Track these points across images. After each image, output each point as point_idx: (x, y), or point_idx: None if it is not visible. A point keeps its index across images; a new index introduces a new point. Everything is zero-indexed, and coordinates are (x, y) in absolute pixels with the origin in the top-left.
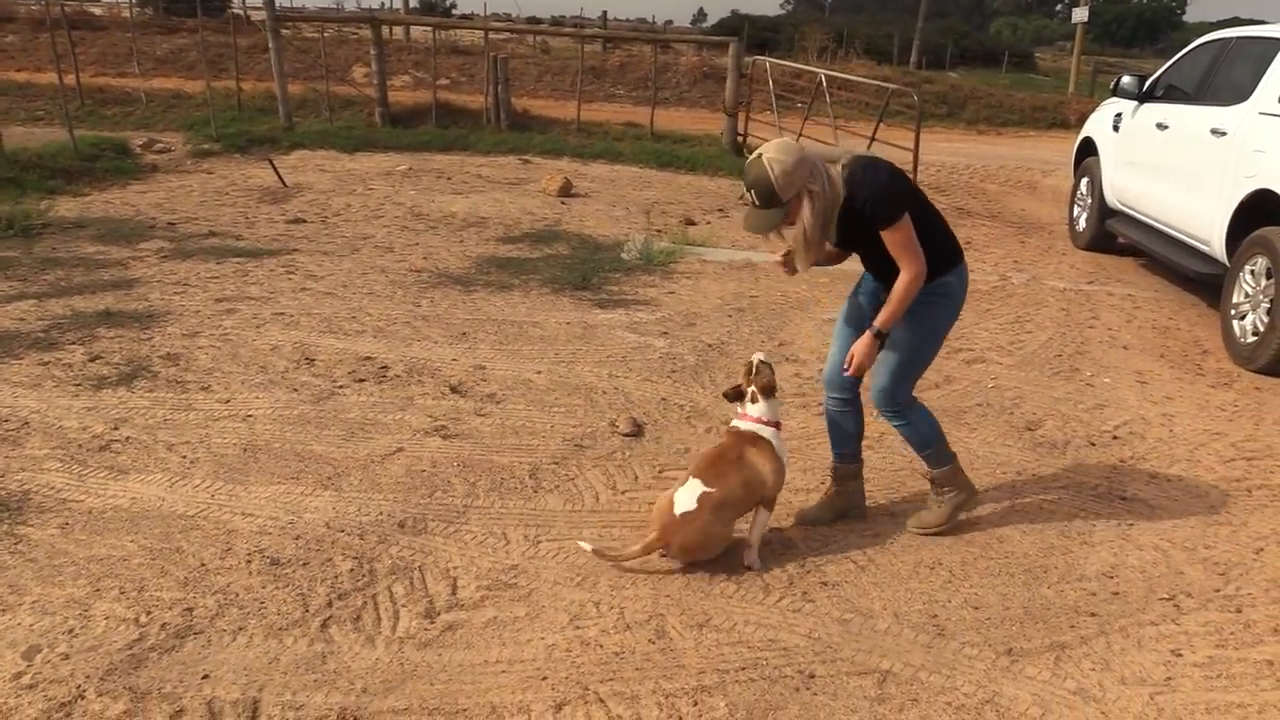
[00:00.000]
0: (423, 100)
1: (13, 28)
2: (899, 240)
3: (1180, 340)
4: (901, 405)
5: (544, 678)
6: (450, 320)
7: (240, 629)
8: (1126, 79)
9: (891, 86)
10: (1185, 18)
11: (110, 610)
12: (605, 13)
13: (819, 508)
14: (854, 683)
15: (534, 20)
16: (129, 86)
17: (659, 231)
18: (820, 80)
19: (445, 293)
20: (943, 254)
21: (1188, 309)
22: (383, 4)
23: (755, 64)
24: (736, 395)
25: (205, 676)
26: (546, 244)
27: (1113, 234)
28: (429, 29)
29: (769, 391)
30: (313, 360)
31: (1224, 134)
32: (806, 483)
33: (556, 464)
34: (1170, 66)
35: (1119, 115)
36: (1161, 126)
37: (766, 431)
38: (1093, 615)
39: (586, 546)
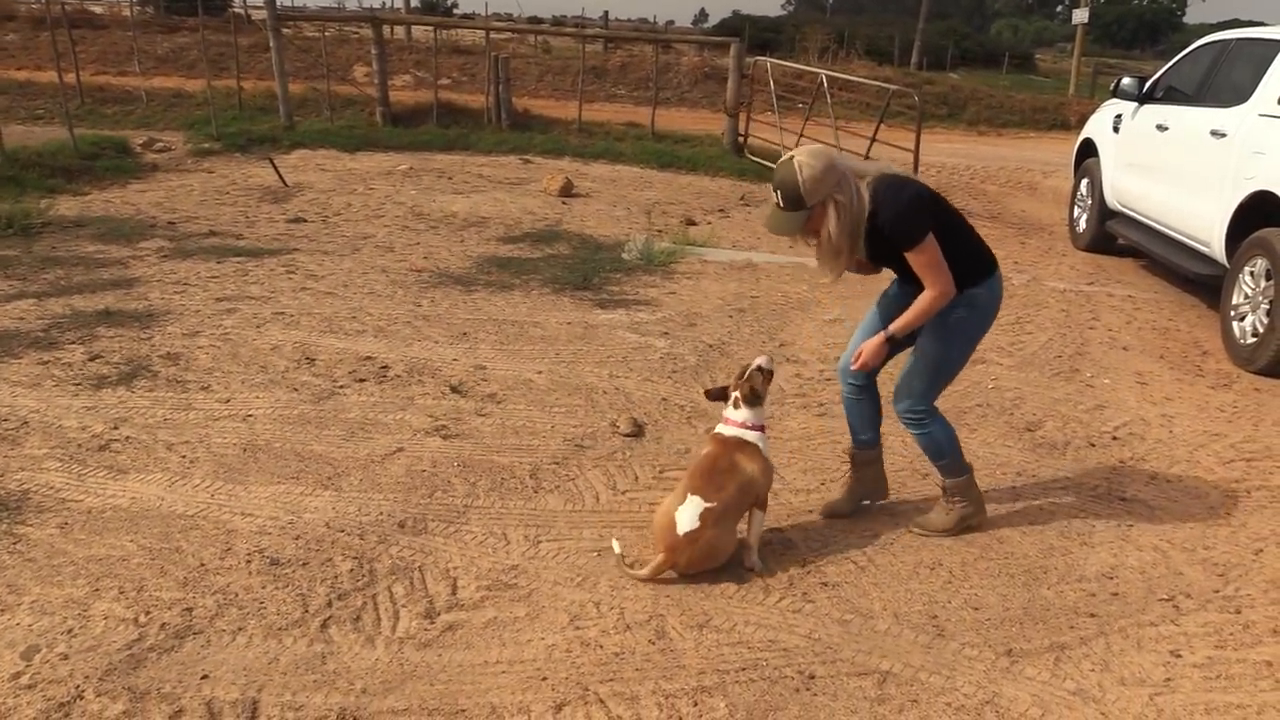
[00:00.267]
0: (424, 100)
1: (13, 26)
2: (922, 261)
3: (1180, 341)
4: (922, 413)
5: (544, 678)
6: (451, 320)
7: (240, 629)
8: (1126, 80)
9: (892, 87)
10: (1185, 19)
11: (109, 610)
12: (606, 13)
13: (842, 499)
14: (854, 683)
15: (535, 20)
16: (129, 85)
17: (660, 232)
18: (821, 81)
19: (446, 292)
20: (971, 266)
21: (1187, 310)
22: (384, 3)
23: (756, 64)
24: (720, 395)
25: (204, 677)
26: (547, 244)
27: (1113, 235)
28: (430, 28)
29: (752, 400)
30: (313, 360)
31: (1224, 135)
32: (807, 483)
33: (557, 464)
34: (1170, 68)
35: (1119, 116)
36: (1161, 128)
37: (751, 436)
38: (1092, 616)
39: (617, 548)
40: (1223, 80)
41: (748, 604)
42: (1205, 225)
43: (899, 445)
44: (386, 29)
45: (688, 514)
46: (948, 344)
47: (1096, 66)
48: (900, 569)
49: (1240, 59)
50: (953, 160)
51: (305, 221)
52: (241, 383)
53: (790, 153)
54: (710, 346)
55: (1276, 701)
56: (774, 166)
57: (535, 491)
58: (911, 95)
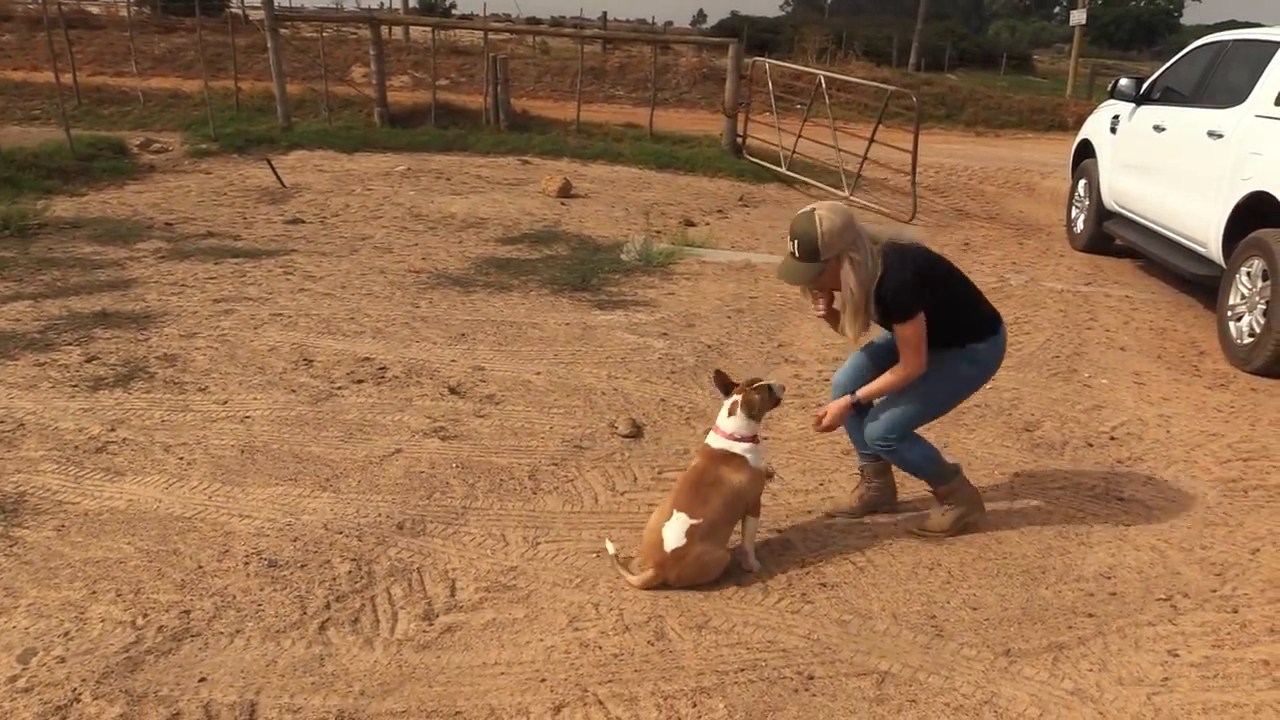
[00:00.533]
0: (422, 100)
1: (9, 26)
2: (906, 335)
3: (1177, 342)
4: (893, 441)
5: (543, 679)
6: (449, 321)
7: (238, 631)
8: (1124, 81)
9: (890, 88)
10: (1182, 20)
11: (106, 613)
12: (605, 13)
13: (854, 507)
14: (853, 684)
15: (534, 21)
16: (126, 86)
17: (658, 232)
18: (820, 81)
19: (444, 293)
20: (977, 324)
21: (1185, 310)
22: (382, 4)
23: (755, 65)
24: (724, 386)
25: (202, 679)
26: (546, 245)
27: (1110, 236)
28: (428, 29)
29: (750, 409)
30: (311, 361)
31: (1221, 136)
32: (805, 484)
33: (556, 465)
34: (1167, 69)
35: (1116, 117)
36: (1159, 129)
37: (739, 448)
38: (1090, 616)
39: (611, 549)
40: (1220, 81)
41: (746, 605)
42: (1202, 226)
43: None
44: (384, 29)
45: (674, 531)
46: (940, 388)
47: (1094, 67)
48: (899, 569)
49: (1237, 60)
50: (950, 161)
51: (303, 222)
52: (239, 384)
53: (811, 205)
54: (709, 347)
55: (1273, 700)
56: (773, 167)
57: (534, 493)
58: (910, 96)
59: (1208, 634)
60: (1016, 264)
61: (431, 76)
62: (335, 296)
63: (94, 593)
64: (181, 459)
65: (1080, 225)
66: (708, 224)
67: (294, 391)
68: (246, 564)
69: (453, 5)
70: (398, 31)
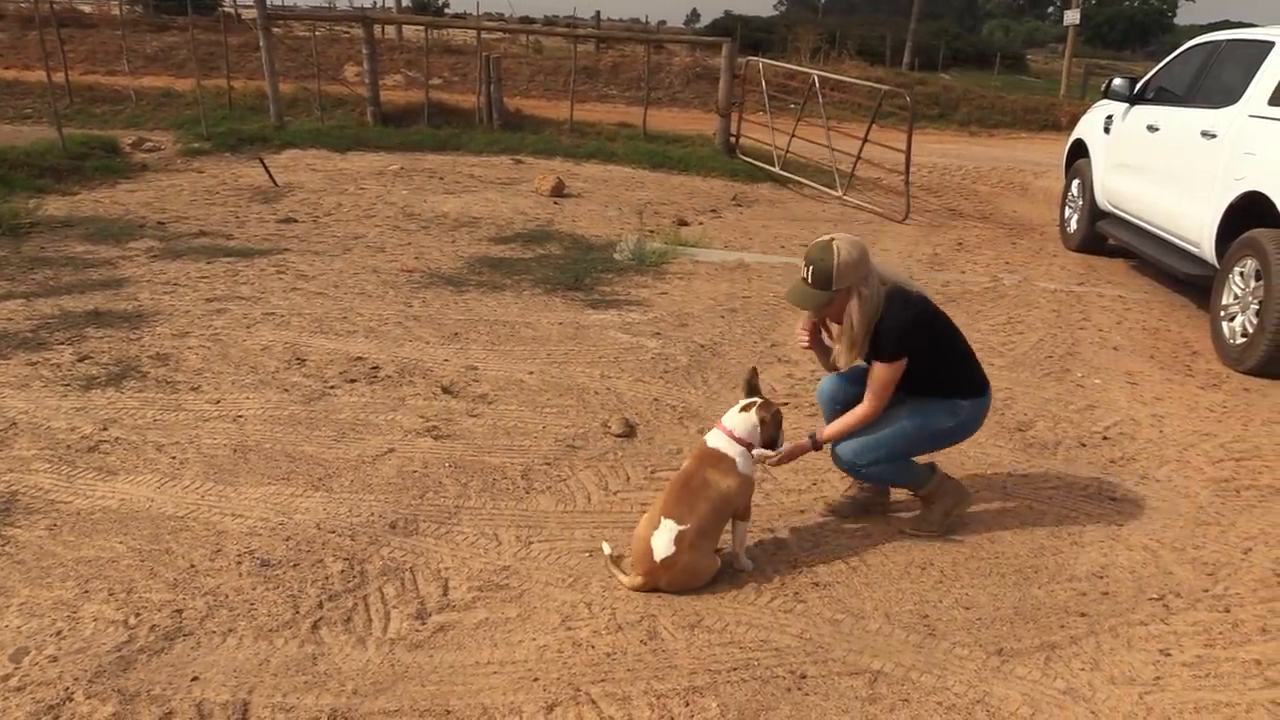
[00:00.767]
0: (415, 99)
1: (1, 25)
2: (880, 376)
3: (1170, 342)
4: (857, 466)
5: (535, 679)
6: (442, 320)
7: (230, 630)
8: (1118, 81)
9: (884, 88)
10: (1176, 20)
11: (99, 612)
12: (598, 12)
13: (845, 504)
14: (845, 683)
15: (527, 20)
16: (118, 85)
17: (651, 232)
18: (813, 81)
19: (437, 293)
20: (966, 380)
21: (1178, 310)
22: (375, 3)
23: (748, 64)
24: (752, 388)
25: (195, 678)
26: (539, 244)
27: (1103, 236)
28: (421, 28)
29: (763, 412)
30: (304, 360)
31: (1214, 136)
32: (798, 483)
33: (549, 465)
34: (1161, 69)
35: (1110, 117)
36: (1152, 129)
37: (734, 450)
38: (1083, 615)
39: (608, 549)
40: (1213, 81)
41: (739, 604)
42: (1195, 226)
43: None
44: (377, 28)
45: (662, 540)
46: (917, 429)
47: (1088, 67)
48: (891, 569)
49: (1230, 60)
50: (944, 161)
51: (296, 222)
52: (231, 383)
53: (829, 235)
54: (702, 347)
55: (1265, 700)
56: (767, 167)
57: (527, 492)
58: (903, 96)
59: (1200, 633)
60: (1010, 264)
61: (424, 76)
62: (328, 296)
63: (86, 592)
64: (174, 458)
65: (1074, 225)
66: (701, 223)
67: (287, 391)
68: (239, 563)
69: (446, 4)
70: (390, 30)
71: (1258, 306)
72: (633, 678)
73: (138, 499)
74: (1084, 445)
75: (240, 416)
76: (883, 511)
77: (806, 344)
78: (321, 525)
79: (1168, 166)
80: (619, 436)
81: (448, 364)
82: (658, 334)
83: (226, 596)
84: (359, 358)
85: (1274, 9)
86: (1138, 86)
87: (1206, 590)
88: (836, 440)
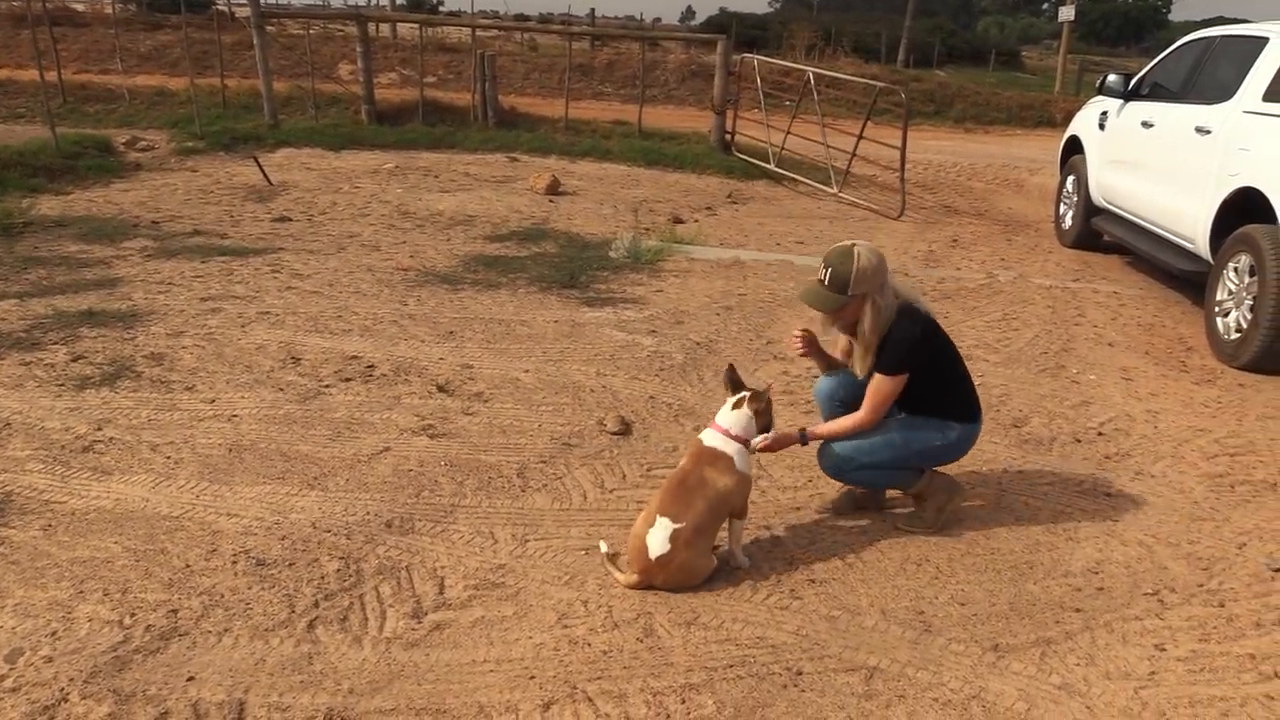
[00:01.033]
0: (409, 98)
1: None
2: (880, 389)
3: (1165, 337)
4: (847, 471)
5: (532, 677)
6: (437, 319)
7: (226, 630)
8: (1112, 77)
9: (879, 84)
10: (1170, 16)
11: (94, 612)
12: (593, 10)
13: (840, 498)
14: (841, 679)
15: (522, 17)
16: (112, 84)
17: (647, 230)
18: (808, 78)
19: (432, 291)
20: (961, 402)
21: (1172, 306)
22: (369, 1)
23: (743, 62)
24: (735, 383)
25: (190, 678)
26: (534, 242)
27: (1098, 232)
28: (416, 26)
29: (756, 404)
30: (298, 359)
31: (1208, 132)
32: (794, 480)
33: (544, 463)
34: (1155, 65)
35: (1105, 114)
36: (1147, 125)
37: (730, 447)
38: (1078, 611)
39: (604, 548)
40: (1207, 77)
41: (735, 601)
42: (1190, 222)
43: None
44: (372, 26)
45: (658, 538)
46: (905, 445)
47: (1082, 64)
48: (887, 565)
49: (1225, 56)
50: (939, 158)
51: (290, 220)
52: (226, 383)
53: (851, 241)
54: (698, 344)
55: (1260, 694)
56: (762, 164)
57: (523, 490)
58: (898, 92)
59: (1194, 628)
60: (1005, 260)
61: (419, 74)
62: (323, 294)
63: (81, 592)
64: (169, 458)
65: (1068, 221)
66: (696, 221)
67: (281, 390)
68: (234, 563)
69: (440, 2)
70: (385, 29)
71: (1252, 302)
72: (629, 675)
73: (132, 499)
74: (1079, 441)
75: (235, 416)
76: (878, 509)
77: (802, 351)
78: (317, 524)
79: (1162, 162)
80: (615, 434)
81: (443, 362)
82: (653, 332)
83: (222, 596)
84: (354, 356)
85: (1269, 4)
86: (1132, 83)
87: (1201, 585)
88: (824, 442)
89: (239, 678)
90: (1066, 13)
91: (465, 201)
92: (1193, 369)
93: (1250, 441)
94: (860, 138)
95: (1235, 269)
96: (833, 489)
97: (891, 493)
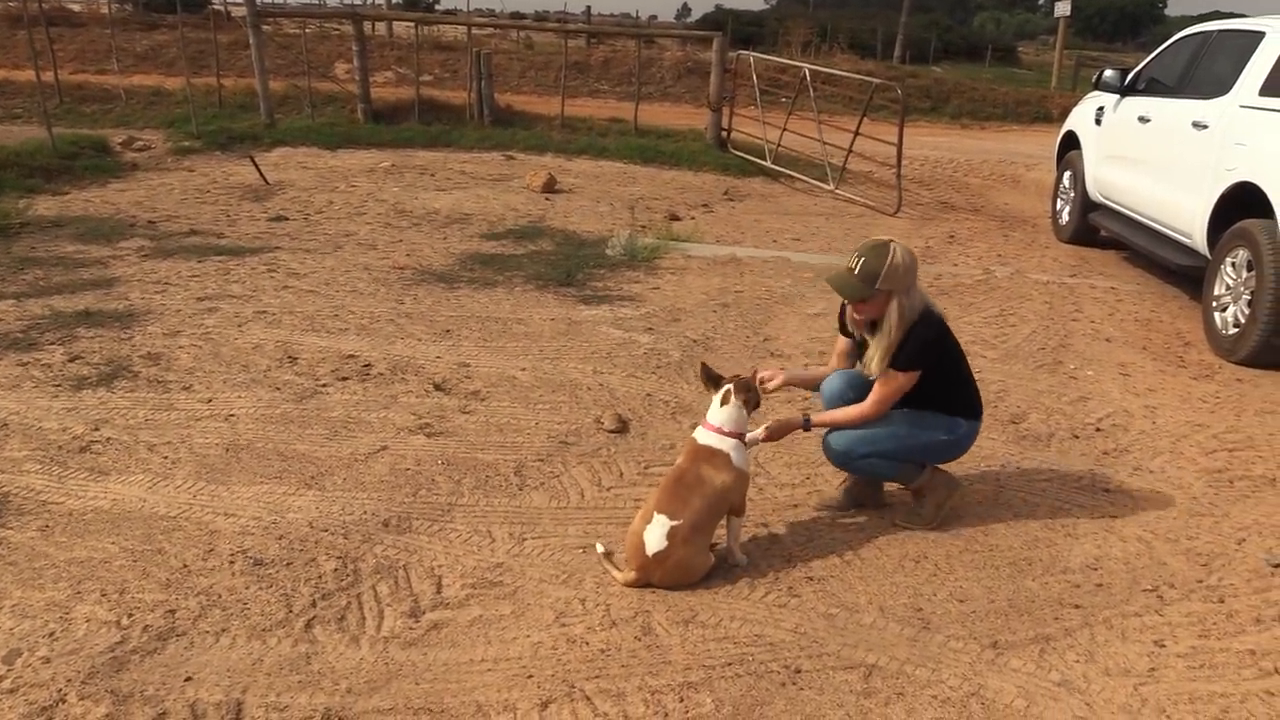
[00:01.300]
0: (405, 96)
1: None
2: (892, 384)
3: (1162, 333)
4: (851, 460)
5: (530, 676)
6: (434, 317)
7: (223, 630)
8: (1109, 73)
9: (875, 81)
10: (1167, 11)
11: (91, 613)
12: (589, 8)
13: (839, 495)
14: (840, 677)
15: (517, 15)
16: (108, 84)
17: (643, 227)
18: (804, 75)
19: (429, 290)
20: (966, 400)
21: (1170, 302)
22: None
23: (739, 59)
24: (712, 379)
25: (188, 679)
26: (530, 240)
27: (1095, 227)
28: (411, 24)
29: (744, 389)
30: (295, 359)
31: (1205, 127)
32: (791, 478)
33: (541, 461)
34: (1152, 60)
35: (1101, 109)
36: (1143, 120)
37: (726, 444)
38: (1077, 607)
39: (600, 549)
40: (1204, 72)
41: (733, 599)
42: (1187, 217)
43: None
44: (367, 25)
45: (655, 535)
46: (911, 437)
47: (1079, 59)
48: (885, 562)
49: (1221, 51)
50: (936, 154)
51: (287, 219)
52: (223, 382)
53: (889, 238)
54: (695, 342)
55: (1260, 690)
56: (758, 161)
57: (520, 489)
58: (895, 89)
59: (1194, 624)
60: (1002, 256)
61: (415, 72)
62: (319, 293)
63: (79, 593)
64: (166, 458)
65: (1065, 217)
66: (693, 218)
67: (278, 389)
68: (231, 563)
69: (436, 1)
70: (381, 27)
71: (1250, 297)
72: (627, 674)
73: (130, 499)
74: (1077, 437)
75: (232, 415)
76: (876, 506)
77: (777, 385)
78: (314, 524)
79: (1159, 158)
80: (612, 432)
81: (440, 361)
82: (650, 329)
83: (219, 596)
84: (351, 355)
85: None
86: (1129, 78)
87: (1200, 581)
88: (829, 430)
89: (236, 678)
90: (1063, 7)
91: (461, 200)
92: (1190, 364)
93: (1249, 436)
94: (857, 134)
95: (1233, 264)
96: (830, 486)
97: (889, 489)
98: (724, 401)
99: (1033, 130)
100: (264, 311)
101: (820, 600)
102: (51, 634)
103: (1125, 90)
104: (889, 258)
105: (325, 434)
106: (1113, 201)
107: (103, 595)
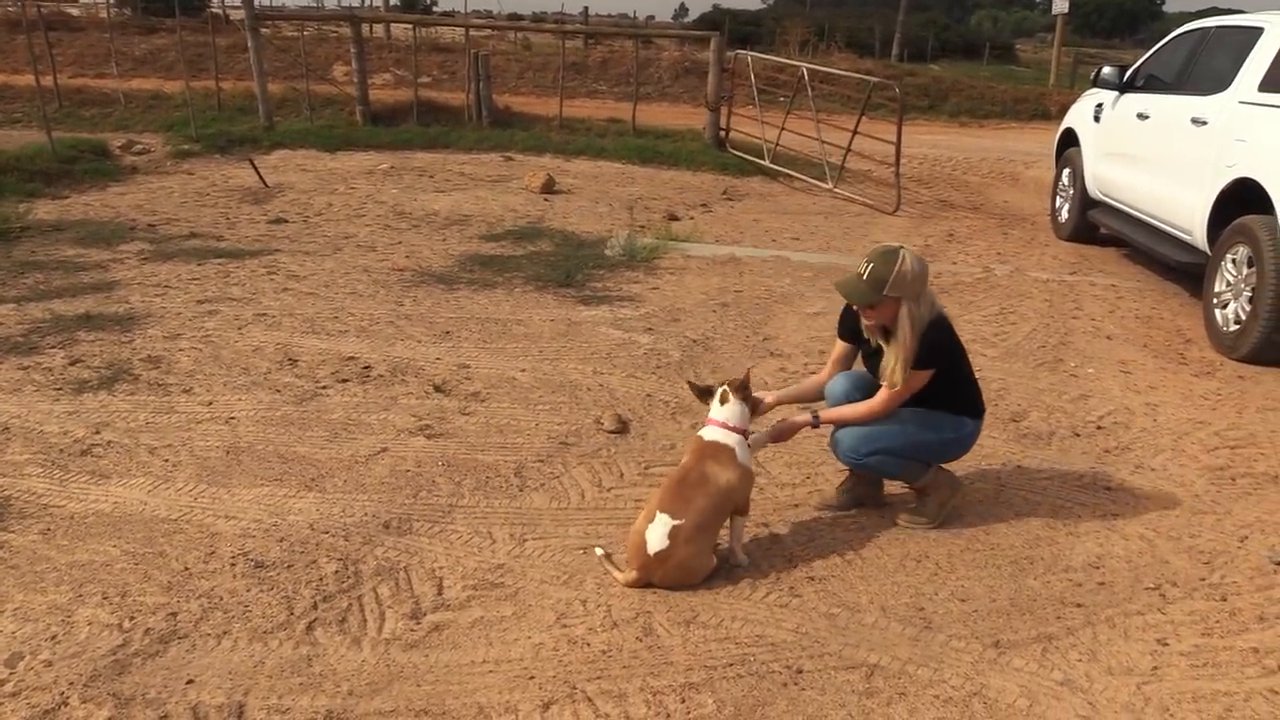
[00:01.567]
0: (404, 98)
1: None
2: (905, 384)
3: (1163, 330)
4: (859, 457)
5: (531, 677)
6: (433, 319)
7: (225, 633)
8: (1107, 69)
9: (873, 79)
10: (1165, 8)
11: (93, 616)
12: (586, 8)
13: (838, 495)
14: (841, 677)
15: (515, 17)
16: (107, 87)
17: (642, 227)
18: (802, 74)
19: (428, 291)
20: (970, 402)
21: (1170, 299)
22: (363, 2)
23: (737, 58)
24: (704, 393)
25: (190, 681)
26: (530, 241)
27: (1095, 225)
28: (409, 26)
29: (740, 389)
30: (295, 361)
31: (1204, 123)
32: (792, 477)
33: (542, 462)
34: (1150, 56)
35: (1100, 106)
36: (1142, 116)
37: (731, 439)
38: (1079, 606)
39: (600, 552)
40: (1203, 68)
41: (734, 599)
42: (1187, 213)
43: None
44: (365, 27)
45: (656, 534)
46: (919, 434)
47: (1077, 56)
48: (887, 562)
49: (1220, 47)
50: (934, 152)
51: (286, 222)
52: (224, 385)
53: (900, 244)
54: (694, 341)
55: (1263, 688)
56: (757, 160)
57: (520, 490)
58: (893, 87)
59: (1197, 622)
60: (1001, 254)
61: (413, 74)
62: (319, 296)
63: (80, 596)
64: (167, 461)
65: (1065, 214)
66: (692, 218)
67: (279, 392)
68: (233, 565)
69: (433, 3)
70: (379, 29)
71: (1250, 293)
72: (628, 675)
73: (131, 502)
74: (1078, 435)
75: (232, 418)
76: (877, 505)
77: (769, 403)
78: (315, 526)
79: (1158, 154)
80: (612, 433)
81: (439, 362)
82: (650, 329)
83: (221, 599)
84: (351, 357)
85: None
86: (1127, 74)
87: (1203, 579)
88: (836, 427)
89: (238, 680)
90: (1060, 4)
91: (460, 201)
92: (1192, 361)
93: (1250, 434)
94: (855, 133)
95: (1233, 260)
96: (831, 486)
97: (890, 489)
98: (724, 400)
99: (1031, 128)
100: (264, 314)
101: (822, 600)
102: (53, 637)
103: (1124, 87)
104: (897, 264)
105: (326, 436)
106: (1112, 198)
107: (104, 598)
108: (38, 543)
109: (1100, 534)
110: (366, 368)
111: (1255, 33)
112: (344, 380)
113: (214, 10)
